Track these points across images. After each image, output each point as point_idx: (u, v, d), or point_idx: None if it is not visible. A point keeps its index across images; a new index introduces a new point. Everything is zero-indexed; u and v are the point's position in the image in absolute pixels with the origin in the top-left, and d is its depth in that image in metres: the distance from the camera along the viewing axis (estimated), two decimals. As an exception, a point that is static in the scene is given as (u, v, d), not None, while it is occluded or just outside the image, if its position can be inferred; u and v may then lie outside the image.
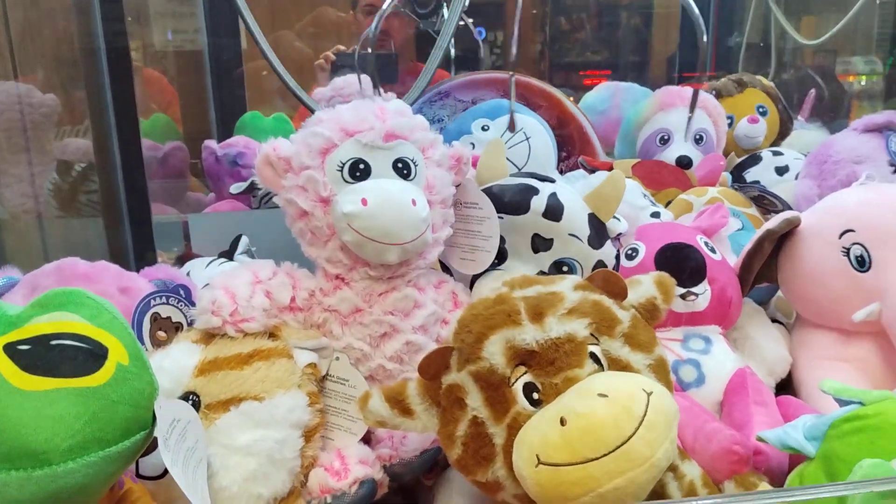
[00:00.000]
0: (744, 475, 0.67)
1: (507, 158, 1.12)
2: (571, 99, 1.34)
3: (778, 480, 0.68)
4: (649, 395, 0.52)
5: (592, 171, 1.12)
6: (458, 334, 0.60)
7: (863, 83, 2.42)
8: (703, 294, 0.81)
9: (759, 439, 0.65)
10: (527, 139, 1.13)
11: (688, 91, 1.21)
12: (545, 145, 1.15)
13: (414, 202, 0.67)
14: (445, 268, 0.82)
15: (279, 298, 0.69)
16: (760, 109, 1.31)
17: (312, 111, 0.94)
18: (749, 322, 0.89)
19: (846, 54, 2.43)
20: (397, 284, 0.71)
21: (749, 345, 0.87)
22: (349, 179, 0.68)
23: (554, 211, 0.75)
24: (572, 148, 1.32)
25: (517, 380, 0.57)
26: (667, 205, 1.06)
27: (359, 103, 0.71)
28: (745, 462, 0.67)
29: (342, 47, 1.79)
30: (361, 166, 0.68)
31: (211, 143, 1.63)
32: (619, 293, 0.62)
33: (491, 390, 0.57)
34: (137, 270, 1.26)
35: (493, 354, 0.57)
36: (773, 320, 0.96)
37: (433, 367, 0.60)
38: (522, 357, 0.57)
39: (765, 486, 0.65)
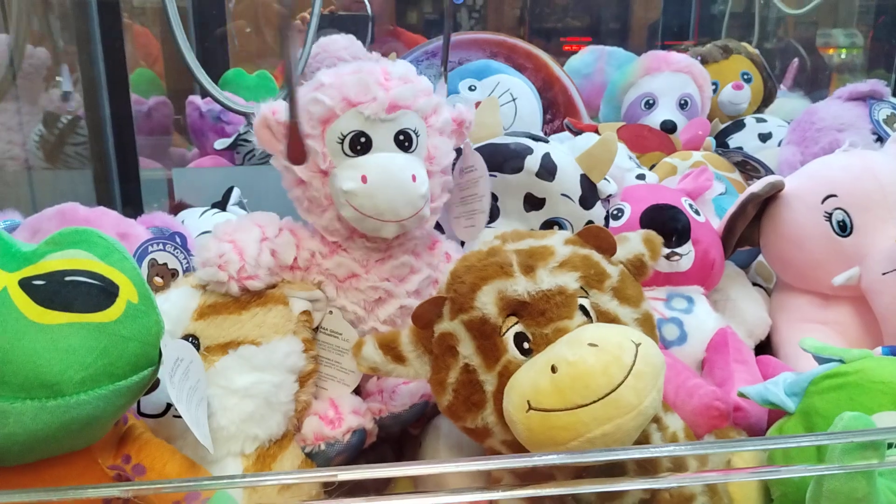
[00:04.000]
0: (723, 430, 0.69)
1: (494, 119, 1.13)
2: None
3: (755, 435, 0.70)
4: (638, 345, 0.53)
5: (578, 133, 1.12)
6: (451, 285, 0.61)
7: (843, 56, 2.43)
8: (686, 255, 0.82)
9: (741, 395, 0.67)
10: (513, 100, 1.13)
11: (674, 56, 1.21)
12: (531, 107, 1.15)
13: (414, 178, 0.65)
14: (438, 225, 0.82)
15: (283, 258, 0.68)
16: (745, 76, 1.32)
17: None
18: (730, 284, 0.91)
19: (827, 26, 2.44)
20: (394, 252, 0.70)
21: (730, 306, 0.89)
22: (349, 153, 0.65)
23: (547, 170, 0.75)
24: (557, 110, 1.32)
25: (508, 329, 0.57)
26: (651, 168, 1.07)
27: (363, 67, 0.67)
28: (724, 417, 0.69)
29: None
30: (363, 139, 0.65)
31: (195, 99, 1.61)
32: (608, 248, 0.62)
33: (483, 339, 0.57)
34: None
35: (485, 304, 0.58)
36: (754, 284, 0.98)
37: (426, 316, 0.60)
38: (514, 307, 0.57)
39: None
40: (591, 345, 0.53)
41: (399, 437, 0.76)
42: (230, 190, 0.95)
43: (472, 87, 1.15)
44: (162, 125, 1.62)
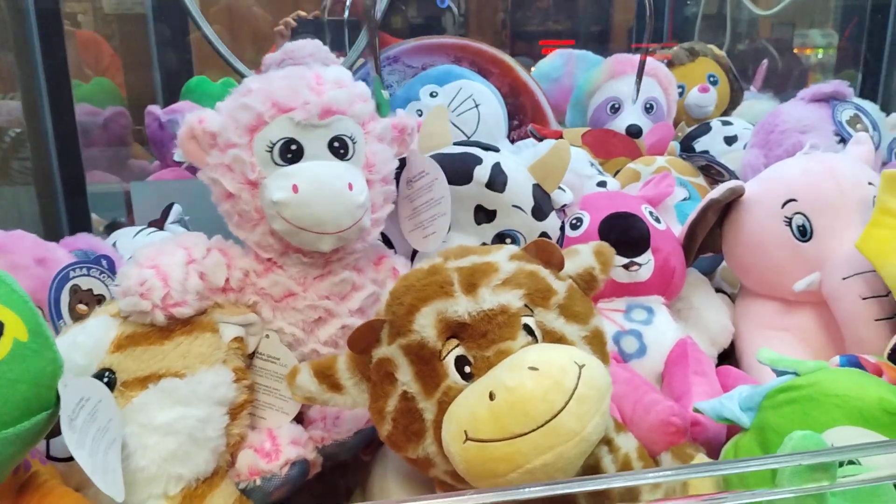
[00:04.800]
0: (680, 446, 0.67)
1: (456, 126, 1.11)
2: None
3: (716, 451, 0.68)
4: (581, 367, 0.51)
5: (542, 139, 1.10)
6: (389, 306, 0.58)
7: (819, 56, 2.43)
8: (646, 264, 0.80)
9: (696, 410, 0.65)
10: (476, 106, 1.11)
11: (638, 59, 1.19)
12: (495, 113, 1.12)
13: (351, 186, 0.62)
14: (388, 239, 0.79)
15: (213, 280, 0.64)
16: (711, 79, 1.30)
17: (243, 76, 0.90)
18: (693, 292, 0.89)
19: (804, 27, 2.44)
20: (334, 268, 0.67)
21: (692, 315, 0.87)
22: (280, 162, 0.62)
23: (497, 181, 0.72)
24: (524, 116, 1.30)
25: (449, 353, 0.55)
26: (616, 173, 1.05)
27: (293, 72, 0.65)
28: (681, 433, 0.67)
29: (303, 13, 1.73)
30: (293, 147, 0.62)
31: (154, 109, 1.57)
32: (555, 263, 0.60)
33: (421, 364, 0.55)
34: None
35: (424, 327, 0.55)
36: (719, 290, 0.97)
37: (363, 340, 0.58)
38: (454, 329, 0.55)
39: (701, 457, 0.65)
40: (531, 368, 0.51)
41: (350, 465, 0.73)
42: (170, 207, 0.92)
43: (434, 94, 1.13)
44: (119, 136, 1.58)
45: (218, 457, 0.61)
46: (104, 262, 0.72)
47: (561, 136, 1.10)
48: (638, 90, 1.11)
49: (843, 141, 1.01)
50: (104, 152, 1.60)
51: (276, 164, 0.62)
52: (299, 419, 0.68)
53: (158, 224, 0.90)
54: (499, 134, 1.13)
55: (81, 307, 0.70)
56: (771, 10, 1.85)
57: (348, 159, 0.64)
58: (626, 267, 0.80)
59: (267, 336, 0.66)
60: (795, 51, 2.45)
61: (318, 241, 0.62)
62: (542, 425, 0.48)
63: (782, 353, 0.82)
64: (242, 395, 0.63)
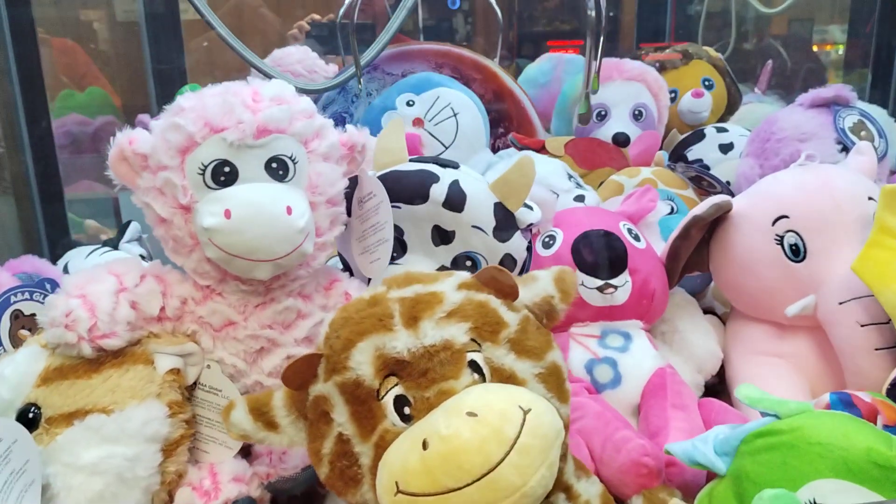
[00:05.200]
0: (654, 490, 0.61)
1: (433, 136, 1.06)
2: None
3: (693, 494, 0.62)
4: (526, 413, 0.46)
5: (523, 148, 1.05)
6: (327, 339, 0.54)
7: (840, 52, 2.35)
8: (622, 286, 0.75)
9: (667, 452, 0.59)
10: (454, 115, 1.06)
11: (626, 64, 1.14)
12: (475, 121, 1.07)
13: (289, 210, 0.57)
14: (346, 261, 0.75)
15: (147, 309, 0.60)
16: (706, 83, 1.24)
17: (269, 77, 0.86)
18: (679, 314, 0.84)
19: (823, 23, 2.36)
20: (276, 296, 0.63)
21: (677, 339, 0.82)
22: (212, 185, 0.58)
23: (455, 200, 0.67)
24: (510, 123, 1.25)
25: (387, 392, 0.50)
26: (600, 185, 0.99)
27: (229, 88, 0.60)
28: (654, 476, 0.61)
29: (317, 16, 1.69)
30: (227, 169, 0.58)
31: (144, 118, 1.54)
32: (508, 292, 0.55)
33: (357, 404, 0.50)
34: (50, 249, 1.19)
35: (360, 364, 0.50)
36: (710, 311, 0.91)
37: (299, 376, 0.53)
38: (393, 367, 0.50)
39: (676, 502, 0.59)
40: (469, 414, 0.46)
41: (308, 497, 0.68)
42: (127, 224, 0.88)
43: (411, 102, 1.08)
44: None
45: (151, 496, 0.58)
46: (48, 286, 0.69)
47: (543, 146, 1.05)
48: (587, 82, 1.04)
49: (846, 150, 0.94)
50: (95, 161, 1.59)
51: (208, 187, 0.58)
52: (246, 451, 0.64)
53: (113, 243, 0.86)
54: (479, 143, 1.08)
55: (24, 333, 0.68)
56: (777, 9, 1.78)
57: (288, 181, 0.60)
58: (600, 289, 0.74)
59: (208, 366, 0.62)
60: (815, 47, 2.37)
61: (253, 268, 0.58)
62: (477, 479, 0.44)
63: (775, 381, 0.78)
64: (179, 430, 0.59)
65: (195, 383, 0.62)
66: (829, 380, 0.76)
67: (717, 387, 0.84)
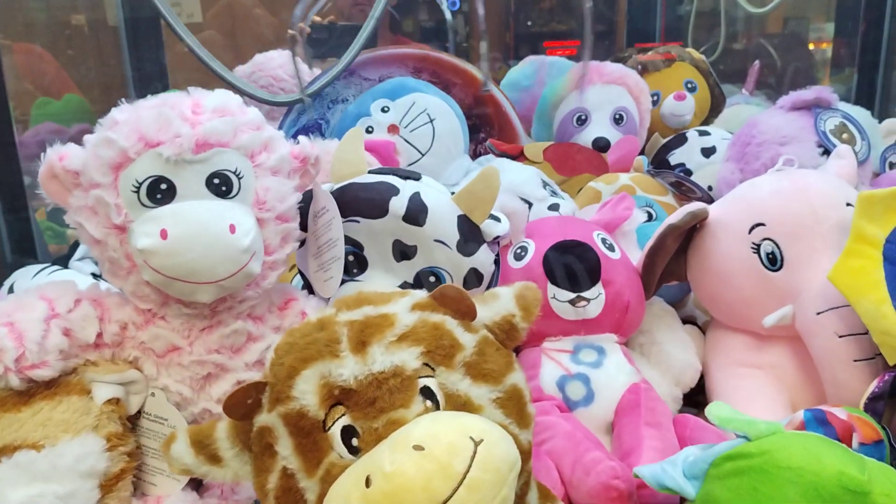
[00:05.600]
0: (624, 513, 0.59)
1: (409, 143, 1.03)
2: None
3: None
4: (478, 444, 0.43)
5: (501, 154, 1.02)
6: (272, 366, 0.51)
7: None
8: (595, 299, 0.72)
9: (636, 476, 0.57)
10: (430, 121, 1.03)
11: (606, 67, 1.11)
12: (452, 127, 1.05)
13: (233, 228, 0.55)
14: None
15: (82, 336, 0.58)
16: (689, 85, 1.21)
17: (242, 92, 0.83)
18: (657, 325, 0.81)
19: (819, 21, 2.33)
20: (223, 318, 0.60)
21: (655, 351, 0.79)
22: (148, 203, 0.55)
23: (416, 213, 0.64)
24: (491, 129, 1.22)
25: (334, 423, 0.47)
26: (579, 192, 0.97)
27: (167, 99, 0.58)
28: (624, 499, 0.59)
29: (317, 17, 1.67)
30: (163, 186, 0.55)
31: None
32: (465, 312, 0.52)
33: (302, 436, 0.48)
34: (13, 262, 1.17)
35: (304, 393, 0.48)
36: (689, 320, 0.88)
37: (242, 405, 0.50)
38: (339, 396, 0.47)
39: (645, 527, 0.57)
40: (415, 448, 0.43)
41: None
42: (77, 242, 0.85)
43: (385, 109, 1.05)
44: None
45: (92, 535, 0.54)
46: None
47: (521, 152, 1.02)
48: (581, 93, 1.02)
49: (828, 153, 0.92)
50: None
51: (143, 205, 0.55)
52: (198, 483, 0.61)
53: (63, 261, 0.83)
54: (457, 149, 1.05)
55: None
56: (766, 8, 1.76)
57: (232, 197, 0.57)
58: (572, 302, 0.72)
59: (153, 394, 0.59)
60: (811, 45, 2.34)
61: (194, 291, 0.55)
62: (422, 520, 0.41)
63: (755, 393, 0.76)
64: (119, 463, 0.56)
65: (139, 412, 0.59)
66: (809, 390, 0.74)
67: (698, 397, 0.81)
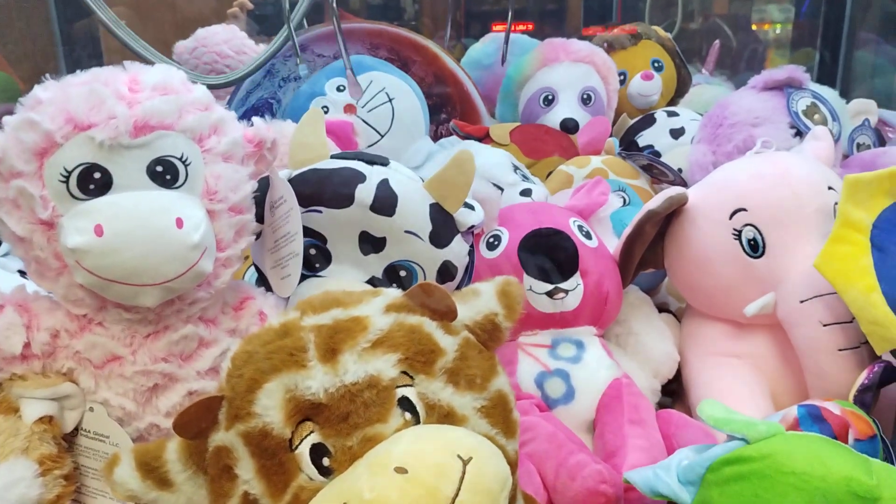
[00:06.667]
0: (612, 520, 0.55)
1: (368, 123, 0.98)
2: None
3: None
4: (466, 462, 0.39)
5: (466, 136, 0.97)
6: (229, 378, 0.45)
7: (777, 32, 2.35)
8: (573, 290, 0.68)
9: (627, 482, 0.53)
10: (389, 101, 0.97)
11: (573, 44, 1.06)
12: (412, 107, 0.99)
13: (180, 222, 0.48)
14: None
15: (6, 347, 0.51)
16: (656, 64, 1.18)
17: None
18: (633, 314, 0.78)
19: (761, 2, 2.35)
20: (171, 323, 0.53)
21: (632, 341, 0.76)
22: (79, 195, 0.49)
23: (384, 203, 0.59)
24: (452, 109, 1.17)
25: (302, 441, 0.42)
26: (548, 176, 0.93)
27: (99, 75, 0.51)
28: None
29: None
30: (97, 175, 0.49)
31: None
32: (445, 312, 0.48)
33: (265, 457, 0.42)
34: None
35: (267, 409, 0.42)
36: (664, 307, 0.86)
37: (194, 423, 0.45)
38: (307, 411, 0.42)
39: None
40: (398, 470, 0.38)
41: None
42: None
43: (341, 88, 0.99)
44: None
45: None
46: None
47: (487, 133, 0.97)
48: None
49: (800, 134, 0.90)
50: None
51: (74, 197, 0.48)
52: (147, 504, 0.55)
53: (-14, 258, 0.75)
54: (417, 131, 1.00)
55: None
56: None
57: (178, 187, 0.50)
58: (550, 294, 0.68)
59: (91, 409, 0.53)
60: (754, 27, 2.36)
61: (136, 294, 0.49)
62: (408, 552, 0.36)
63: (734, 383, 0.73)
64: (55, 488, 0.50)
65: (76, 429, 0.53)
66: (789, 380, 0.72)
67: (673, 386, 0.79)
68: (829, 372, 0.66)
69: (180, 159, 0.51)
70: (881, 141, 1.09)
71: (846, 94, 1.13)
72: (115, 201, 0.48)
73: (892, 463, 0.54)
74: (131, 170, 0.49)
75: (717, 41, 1.53)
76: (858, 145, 1.03)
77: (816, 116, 0.92)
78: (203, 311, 0.54)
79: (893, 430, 0.58)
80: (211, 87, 0.57)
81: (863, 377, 0.61)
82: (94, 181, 0.48)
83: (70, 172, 0.48)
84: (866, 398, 0.61)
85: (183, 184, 0.51)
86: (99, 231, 0.46)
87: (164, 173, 0.50)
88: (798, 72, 0.93)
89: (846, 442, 0.54)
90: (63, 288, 0.51)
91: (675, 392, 0.81)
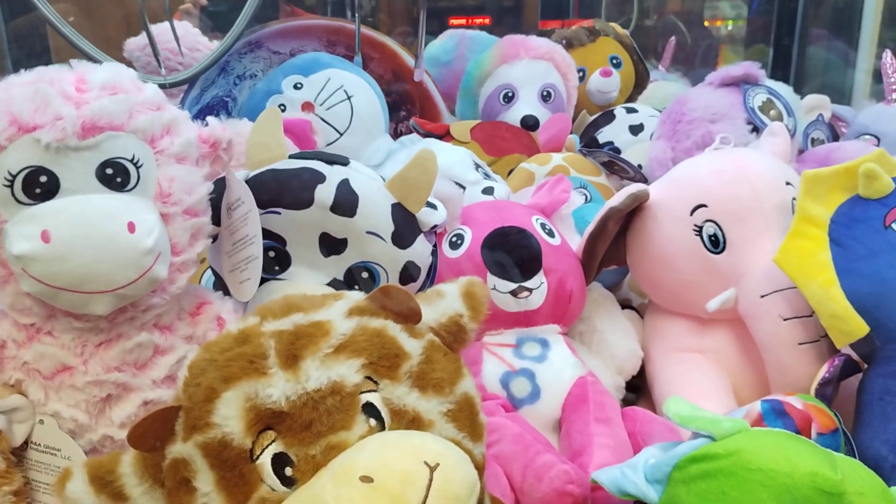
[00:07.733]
0: (580, 520, 0.55)
1: (326, 121, 0.96)
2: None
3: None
4: (433, 469, 0.38)
5: (427, 134, 0.96)
6: (186, 387, 0.44)
7: (729, 28, 2.39)
8: (537, 288, 0.68)
9: (594, 482, 0.53)
10: (348, 98, 0.96)
11: (533, 41, 1.06)
12: (371, 104, 0.98)
13: (132, 227, 0.47)
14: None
15: None
16: (614, 61, 1.18)
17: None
18: (597, 312, 0.78)
19: (713, -1, 2.39)
20: (124, 330, 0.51)
21: (596, 339, 0.76)
22: (24, 200, 0.47)
23: (345, 203, 0.57)
24: (412, 106, 1.16)
25: (263, 450, 0.41)
26: (509, 174, 0.92)
27: (44, 74, 0.49)
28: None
29: None
30: (43, 179, 0.47)
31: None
32: (409, 315, 0.47)
33: (225, 469, 0.41)
34: None
35: (227, 419, 0.41)
36: (626, 303, 0.86)
37: (150, 436, 0.43)
38: (269, 420, 0.41)
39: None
40: (363, 479, 0.37)
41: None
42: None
43: (298, 85, 0.97)
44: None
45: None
46: None
47: (447, 131, 0.96)
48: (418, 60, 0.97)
49: (756, 130, 0.92)
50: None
51: (19, 202, 0.46)
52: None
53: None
54: (377, 129, 0.99)
55: None
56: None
57: (129, 190, 0.49)
58: (514, 293, 0.67)
59: (41, 422, 0.50)
60: (706, 23, 2.40)
61: (87, 302, 0.47)
62: (375, 564, 0.35)
63: (697, 378, 0.74)
64: (2, 505, 0.47)
65: (26, 443, 0.51)
66: (750, 374, 0.73)
67: (636, 381, 0.79)
68: (790, 366, 0.67)
69: (131, 161, 0.49)
70: (835, 136, 1.11)
71: (799, 90, 1.15)
72: (63, 206, 0.46)
73: (854, 456, 0.54)
74: (80, 173, 0.47)
75: (672, 38, 1.54)
76: (813, 140, 1.05)
77: (772, 112, 0.93)
78: (158, 318, 0.52)
79: (853, 423, 0.59)
80: (162, 85, 0.55)
81: (824, 371, 0.62)
82: (40, 185, 0.46)
83: (14, 176, 0.46)
84: (827, 391, 0.62)
85: (135, 186, 0.49)
86: (46, 237, 0.44)
87: (115, 176, 0.48)
88: (754, 68, 0.94)
89: (809, 436, 0.55)
90: (9, 297, 0.48)
91: (639, 388, 0.81)
